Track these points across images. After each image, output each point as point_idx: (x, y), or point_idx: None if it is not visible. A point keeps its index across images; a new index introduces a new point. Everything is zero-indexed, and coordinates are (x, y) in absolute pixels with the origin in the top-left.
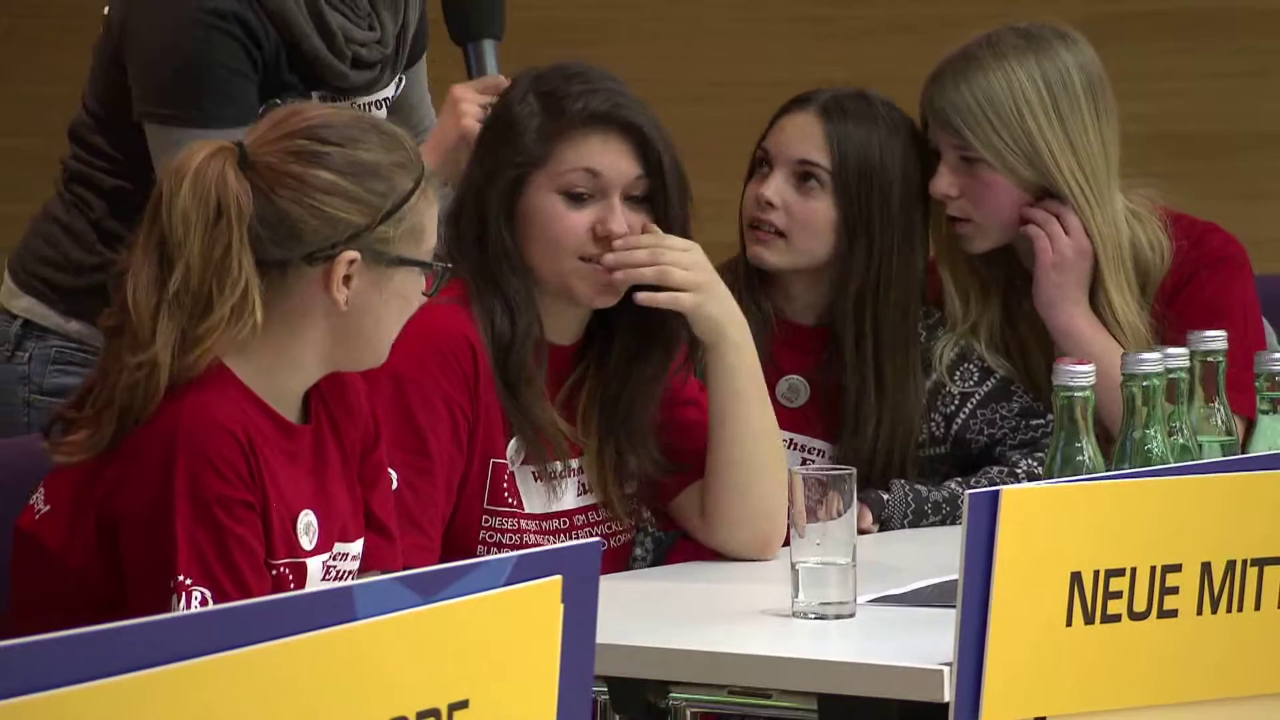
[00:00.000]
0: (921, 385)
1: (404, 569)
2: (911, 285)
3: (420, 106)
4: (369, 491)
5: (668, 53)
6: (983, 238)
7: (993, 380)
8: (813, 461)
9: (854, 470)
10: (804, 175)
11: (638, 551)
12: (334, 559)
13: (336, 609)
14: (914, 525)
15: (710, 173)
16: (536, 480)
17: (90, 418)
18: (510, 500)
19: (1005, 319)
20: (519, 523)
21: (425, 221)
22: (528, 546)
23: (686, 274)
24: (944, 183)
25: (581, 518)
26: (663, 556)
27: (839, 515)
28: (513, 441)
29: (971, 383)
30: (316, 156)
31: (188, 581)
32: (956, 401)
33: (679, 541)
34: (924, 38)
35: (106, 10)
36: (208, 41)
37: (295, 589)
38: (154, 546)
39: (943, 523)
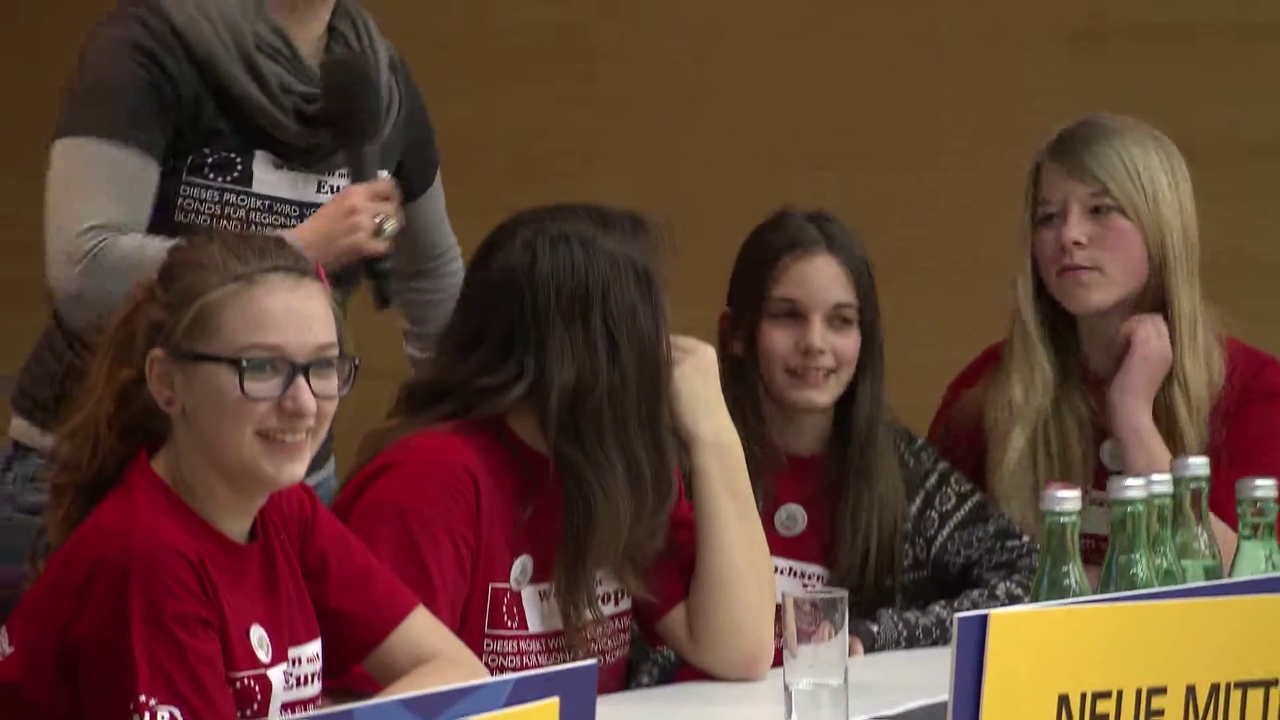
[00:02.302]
0: (896, 464)
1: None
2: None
3: (436, 231)
4: (320, 583)
5: (668, 57)
6: (1106, 287)
7: (970, 503)
8: (812, 585)
9: (845, 593)
10: (838, 317)
11: (644, 680)
12: (291, 665)
13: None
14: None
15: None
16: (543, 600)
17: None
18: (510, 623)
19: (1052, 416)
20: (519, 644)
21: (223, 318)
22: (531, 667)
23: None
24: (1076, 230)
25: (586, 633)
26: (669, 682)
27: (831, 637)
28: (519, 561)
29: (949, 505)
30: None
31: (152, 702)
32: (936, 524)
33: (681, 669)
34: (922, 46)
35: None
36: (125, 69)
37: (261, 700)
38: (113, 670)
39: (934, 644)
